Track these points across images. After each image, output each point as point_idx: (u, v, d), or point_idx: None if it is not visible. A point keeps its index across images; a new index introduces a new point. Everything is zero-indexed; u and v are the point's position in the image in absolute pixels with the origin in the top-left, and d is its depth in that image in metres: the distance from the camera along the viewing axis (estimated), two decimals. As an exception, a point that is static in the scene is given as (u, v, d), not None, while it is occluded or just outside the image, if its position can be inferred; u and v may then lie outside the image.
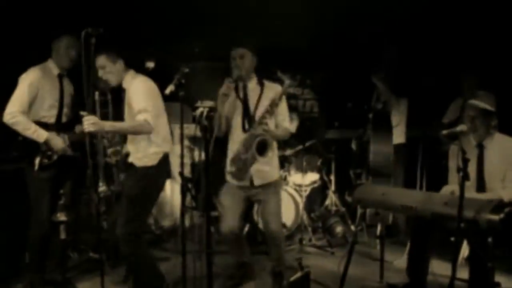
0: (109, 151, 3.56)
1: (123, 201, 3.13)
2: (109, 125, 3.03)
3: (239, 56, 3.13)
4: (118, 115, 3.24)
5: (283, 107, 3.20)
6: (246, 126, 3.13)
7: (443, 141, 4.25)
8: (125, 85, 3.11)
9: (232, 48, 3.16)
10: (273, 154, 3.24)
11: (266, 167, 3.19)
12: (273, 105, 3.04)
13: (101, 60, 3.01)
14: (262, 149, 3.00)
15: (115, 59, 3.04)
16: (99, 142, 3.47)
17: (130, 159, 3.15)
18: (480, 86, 4.02)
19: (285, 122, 3.24)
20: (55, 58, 3.35)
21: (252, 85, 3.22)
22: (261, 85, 3.21)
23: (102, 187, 3.33)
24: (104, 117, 3.32)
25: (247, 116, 3.14)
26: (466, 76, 4.27)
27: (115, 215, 3.36)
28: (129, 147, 3.17)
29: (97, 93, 3.26)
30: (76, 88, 3.49)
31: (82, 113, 2.83)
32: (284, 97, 3.14)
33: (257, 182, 3.18)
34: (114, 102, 3.48)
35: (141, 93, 2.99)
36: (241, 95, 3.21)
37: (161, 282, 3.19)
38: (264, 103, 3.11)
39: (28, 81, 3.18)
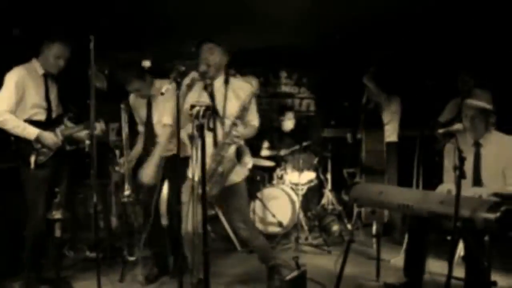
0: (121, 160, 3.56)
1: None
2: (152, 162, 3.09)
3: (208, 50, 2.94)
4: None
5: (252, 108, 3.05)
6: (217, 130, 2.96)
7: (438, 140, 4.27)
8: (154, 92, 3.39)
9: (202, 42, 2.98)
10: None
11: (237, 168, 3.00)
12: (243, 110, 2.94)
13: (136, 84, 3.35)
14: (238, 155, 2.88)
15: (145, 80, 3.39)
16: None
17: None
18: (476, 86, 4.04)
19: (254, 121, 3.10)
20: (43, 61, 3.26)
21: (218, 84, 3.00)
22: (226, 83, 3.00)
23: (127, 191, 3.36)
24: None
25: (216, 119, 2.95)
26: (462, 76, 4.29)
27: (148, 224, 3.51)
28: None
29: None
30: (68, 88, 3.49)
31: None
32: (253, 99, 3.01)
33: (226, 183, 3.02)
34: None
35: (162, 101, 3.14)
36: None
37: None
38: (231, 104, 2.96)
39: (14, 79, 3.13)
